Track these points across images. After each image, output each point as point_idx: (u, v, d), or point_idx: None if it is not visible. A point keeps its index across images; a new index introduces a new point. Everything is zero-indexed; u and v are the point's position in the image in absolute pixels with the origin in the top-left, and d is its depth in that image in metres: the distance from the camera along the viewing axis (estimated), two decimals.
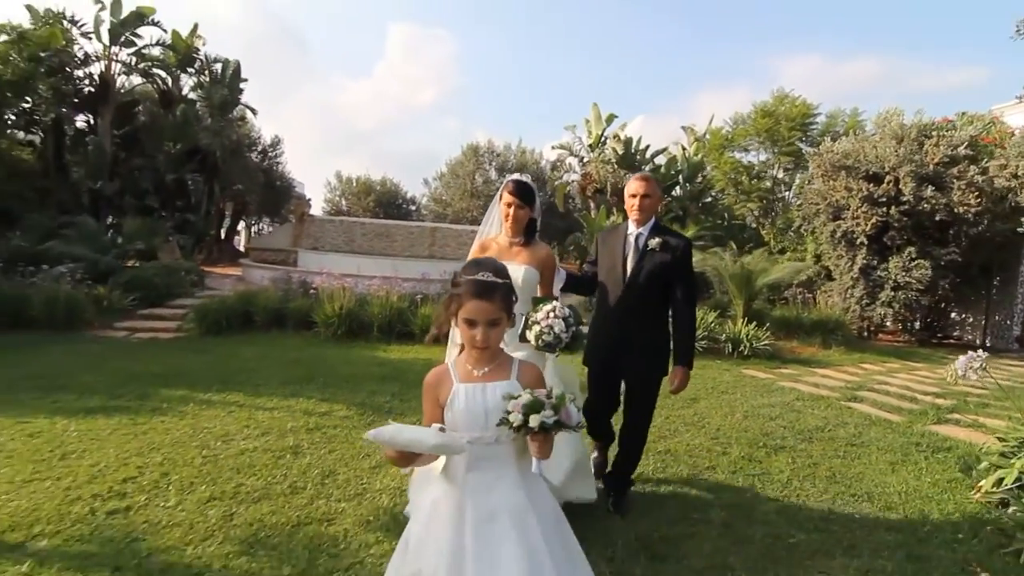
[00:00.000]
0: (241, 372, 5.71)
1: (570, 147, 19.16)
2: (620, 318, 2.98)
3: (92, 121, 14.95)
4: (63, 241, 10.23)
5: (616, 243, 3.07)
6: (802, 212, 12.12)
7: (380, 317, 7.98)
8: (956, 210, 9.31)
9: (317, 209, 27.29)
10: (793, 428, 4.95)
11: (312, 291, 8.59)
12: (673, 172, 16.42)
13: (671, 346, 3.10)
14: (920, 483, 3.87)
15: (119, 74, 14.83)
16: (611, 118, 17.72)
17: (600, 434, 3.38)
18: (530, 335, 2.48)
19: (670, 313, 3.08)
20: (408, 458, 1.47)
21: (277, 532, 2.68)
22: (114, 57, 14.53)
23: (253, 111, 18.40)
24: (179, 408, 4.43)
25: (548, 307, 2.45)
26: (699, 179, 16.84)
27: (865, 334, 10.94)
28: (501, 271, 1.61)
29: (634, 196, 2.99)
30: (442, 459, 1.60)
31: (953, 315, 12.27)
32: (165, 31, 14.79)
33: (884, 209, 9.79)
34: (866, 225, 9.85)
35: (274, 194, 23.27)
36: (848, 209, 10.23)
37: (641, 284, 2.94)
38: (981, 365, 3.18)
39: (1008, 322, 11.25)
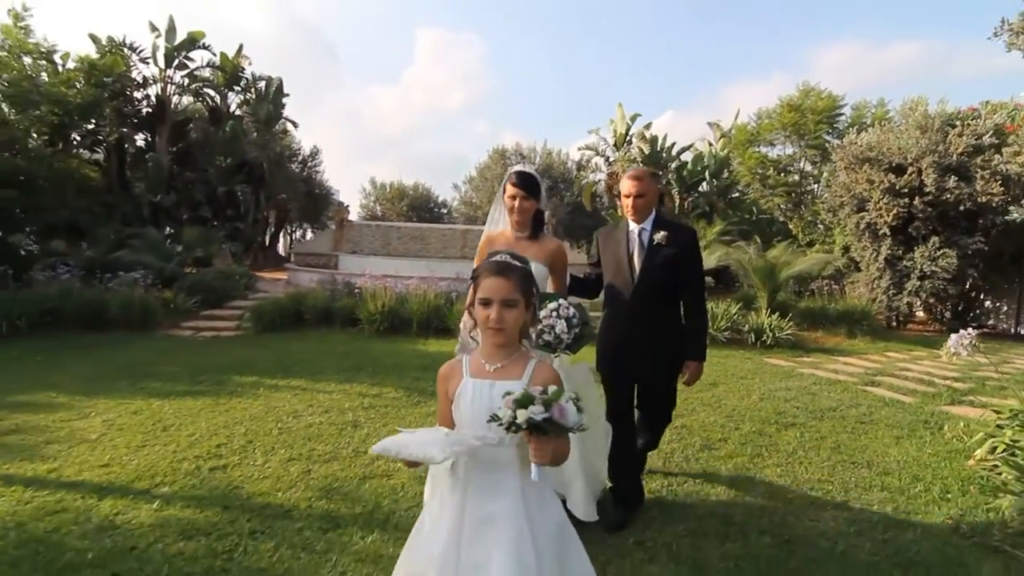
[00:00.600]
0: (299, 363, 6.37)
1: (596, 147, 19.51)
2: (631, 319, 2.85)
3: (150, 139, 16.16)
4: (131, 251, 11.23)
5: (619, 242, 2.93)
6: (827, 204, 12.22)
7: (419, 314, 8.59)
8: (980, 199, 9.34)
9: (353, 215, 28.30)
10: (806, 408, 5.28)
11: (356, 291, 9.29)
12: (699, 169, 16.60)
13: (682, 341, 2.93)
14: (921, 454, 4.17)
15: (173, 94, 16.02)
16: (635, 117, 18.02)
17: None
18: (532, 332, 2.51)
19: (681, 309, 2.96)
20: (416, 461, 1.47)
21: (347, 483, 3.25)
22: (169, 79, 15.74)
23: (294, 124, 19.53)
24: (252, 391, 5.10)
25: (552, 305, 2.39)
26: (725, 175, 16.96)
27: (894, 324, 10.99)
28: (520, 258, 1.62)
29: (628, 197, 2.86)
30: None
31: (987, 304, 12.15)
32: (214, 54, 15.95)
33: (907, 200, 9.88)
34: (888, 216, 9.96)
35: (313, 202, 24.40)
36: (871, 201, 10.34)
37: (651, 281, 2.81)
38: (971, 342, 3.50)
39: None
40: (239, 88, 17.08)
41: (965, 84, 54.38)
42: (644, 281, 2.82)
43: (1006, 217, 6.71)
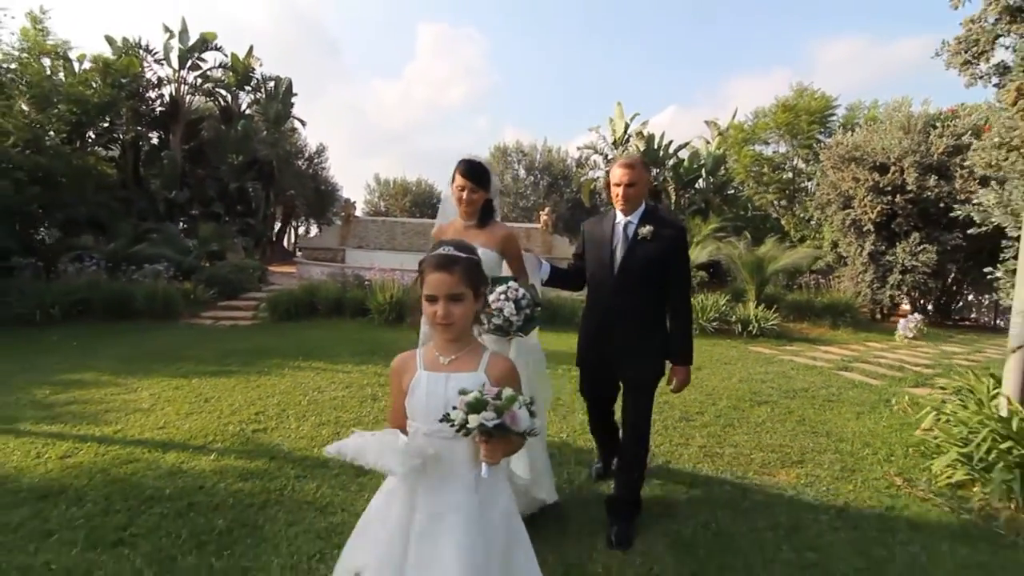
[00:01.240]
0: (317, 348, 6.91)
1: (595, 145, 20.01)
2: (611, 314, 2.75)
3: (163, 137, 16.71)
4: (150, 244, 11.79)
5: (603, 233, 2.81)
6: (815, 202, 12.73)
7: None
8: (959, 197, 9.83)
9: (358, 210, 28.92)
10: (780, 389, 5.81)
11: (366, 283, 9.83)
12: (696, 166, 17.08)
13: (667, 343, 2.78)
14: (876, 427, 4.71)
15: (187, 94, 16.57)
16: (634, 116, 18.52)
17: (602, 442, 3.28)
18: (482, 317, 2.28)
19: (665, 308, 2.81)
20: None
21: None
22: (182, 79, 16.28)
23: (302, 123, 20.05)
24: (278, 371, 5.65)
25: (501, 288, 2.35)
26: (721, 172, 17.45)
27: (878, 316, 11.50)
28: (466, 248, 1.56)
29: (618, 185, 2.71)
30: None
31: (970, 298, 12.65)
32: (226, 55, 16.49)
33: (889, 198, 10.39)
34: (872, 213, 10.47)
35: (319, 198, 24.94)
36: (856, 198, 10.85)
37: (633, 277, 2.69)
38: (916, 325, 4.03)
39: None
40: (249, 88, 17.65)
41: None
42: (624, 276, 2.71)
43: (951, 214, 7.07)
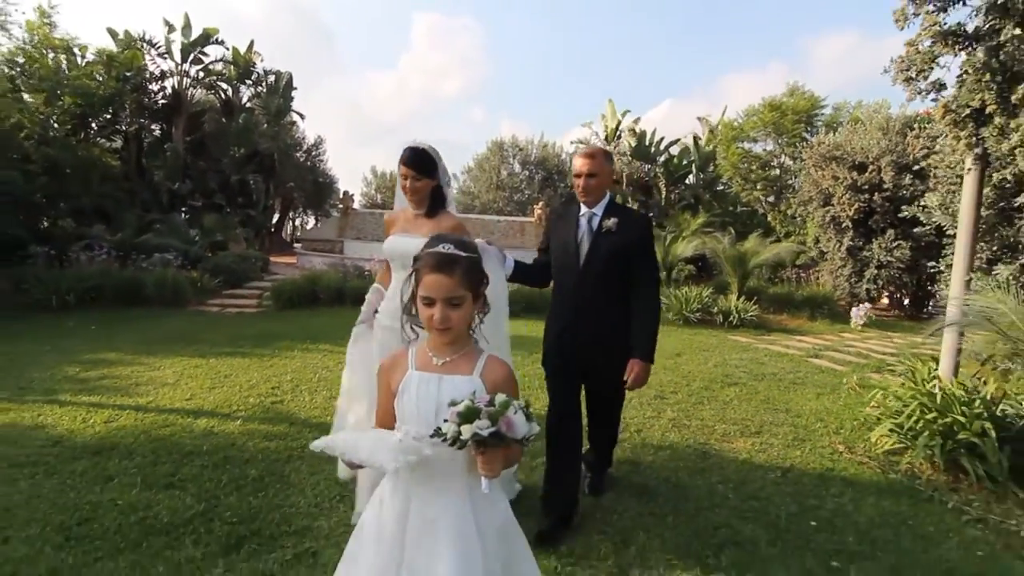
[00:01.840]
0: (321, 333, 7.36)
1: (587, 141, 20.44)
2: (576, 310, 2.68)
3: (166, 129, 17.04)
4: (156, 234, 12.19)
5: (568, 226, 2.75)
6: (798, 198, 13.25)
7: None
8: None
9: (355, 203, 29.29)
10: (751, 373, 6.31)
11: (367, 273, 10.28)
12: (686, 162, 17.56)
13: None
14: (833, 405, 5.21)
15: (189, 87, 16.89)
16: (625, 112, 18.96)
17: (563, 449, 3.01)
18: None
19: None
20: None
21: None
22: (185, 73, 16.60)
23: (302, 116, 20.40)
24: (288, 353, 6.11)
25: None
26: (711, 168, 17.93)
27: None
28: (467, 246, 1.45)
29: (578, 176, 2.66)
30: None
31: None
32: (227, 48, 16.80)
33: (867, 196, 10.91)
34: (850, 210, 10.99)
35: (317, 190, 25.30)
36: (836, 196, 11.37)
37: (597, 270, 2.64)
38: (865, 314, 4.52)
39: None
40: (250, 82, 17.99)
41: None
42: (589, 270, 2.65)
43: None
